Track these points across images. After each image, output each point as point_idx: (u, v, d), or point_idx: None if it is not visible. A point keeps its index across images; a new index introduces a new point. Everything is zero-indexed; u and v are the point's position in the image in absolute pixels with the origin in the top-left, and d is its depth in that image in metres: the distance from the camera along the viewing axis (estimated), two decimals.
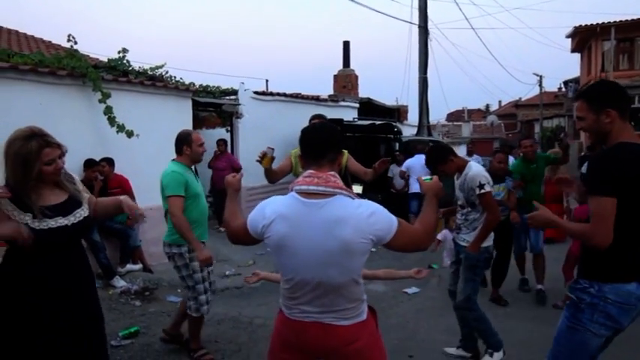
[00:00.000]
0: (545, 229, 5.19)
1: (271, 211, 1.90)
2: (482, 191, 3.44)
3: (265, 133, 8.71)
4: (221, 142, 8.36)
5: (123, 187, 5.82)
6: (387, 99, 15.35)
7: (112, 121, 5.63)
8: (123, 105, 5.92)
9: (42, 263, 2.22)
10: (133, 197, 5.19)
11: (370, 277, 2.66)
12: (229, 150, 8.41)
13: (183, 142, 3.56)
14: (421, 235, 1.97)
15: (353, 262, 1.87)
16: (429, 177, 2.20)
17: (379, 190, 9.18)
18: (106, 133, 5.83)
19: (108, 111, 5.61)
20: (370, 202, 1.91)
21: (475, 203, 3.53)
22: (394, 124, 8.99)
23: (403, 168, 8.71)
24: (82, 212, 2.35)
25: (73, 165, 5.50)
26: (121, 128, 5.68)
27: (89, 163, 5.64)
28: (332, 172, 1.92)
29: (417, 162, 8.21)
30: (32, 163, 2.17)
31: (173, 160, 3.60)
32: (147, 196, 5.19)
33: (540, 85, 32.96)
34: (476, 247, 3.51)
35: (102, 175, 5.84)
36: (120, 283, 5.52)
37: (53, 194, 2.30)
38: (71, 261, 2.33)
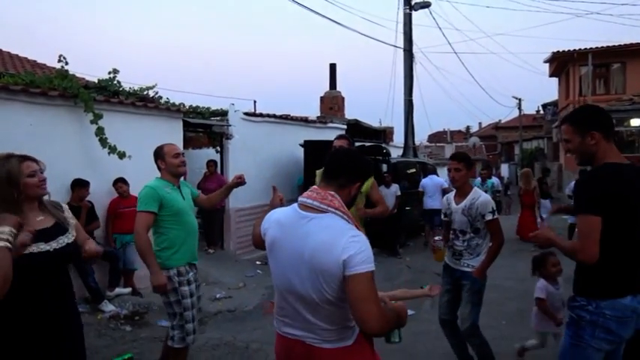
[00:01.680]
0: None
1: (274, 217, 2.05)
2: (495, 217, 3.48)
3: (255, 153, 8.70)
4: (211, 163, 8.31)
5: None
6: (371, 120, 15.55)
7: (103, 142, 5.56)
8: (114, 126, 5.86)
9: (25, 291, 2.14)
10: None
11: (389, 299, 2.64)
12: (219, 171, 8.35)
13: (156, 156, 3.40)
14: (376, 315, 1.79)
15: (326, 281, 1.85)
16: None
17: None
18: (97, 154, 5.75)
19: (100, 132, 5.55)
20: (362, 235, 1.89)
21: (479, 228, 3.52)
22: (383, 145, 9.07)
23: (420, 188, 9.83)
24: (66, 239, 2.31)
25: (64, 186, 5.42)
26: (112, 149, 5.62)
27: (78, 183, 5.53)
28: (332, 192, 1.95)
29: (429, 181, 9.83)
30: (16, 178, 2.18)
31: (157, 177, 3.45)
32: None
33: (519, 108, 33.80)
34: (483, 272, 3.49)
35: (123, 194, 5.96)
36: (108, 307, 5.38)
37: (38, 220, 2.27)
38: (56, 288, 2.27)
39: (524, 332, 4.25)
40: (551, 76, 24.42)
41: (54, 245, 2.24)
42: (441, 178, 10.28)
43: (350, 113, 14.96)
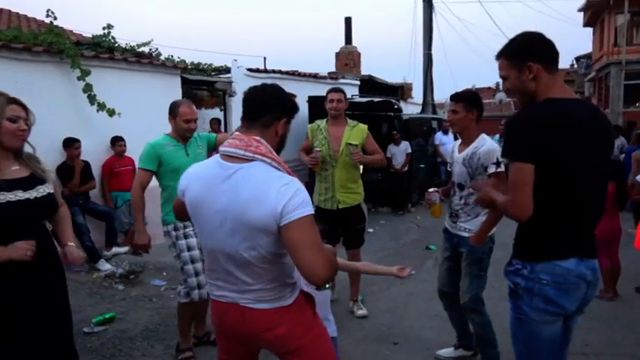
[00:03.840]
0: None
1: (192, 172, 1.85)
2: (499, 169, 2.89)
3: None
4: (214, 122, 8.14)
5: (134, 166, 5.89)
6: (393, 77, 14.98)
7: (91, 99, 5.43)
8: (106, 83, 5.70)
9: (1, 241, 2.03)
10: None
11: (348, 268, 2.42)
12: (223, 129, 8.17)
13: (170, 111, 3.34)
14: (321, 261, 1.64)
15: (258, 237, 1.68)
16: None
17: (378, 169, 8.92)
18: (90, 113, 5.62)
19: (88, 89, 5.40)
20: (294, 179, 1.71)
21: None
22: (393, 101, 8.66)
23: (436, 141, 9.77)
24: (46, 188, 2.17)
25: (53, 145, 5.34)
26: (101, 107, 5.48)
27: (69, 142, 5.43)
28: (257, 137, 1.74)
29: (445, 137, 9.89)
30: None
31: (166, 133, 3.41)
32: None
33: None
34: (482, 237, 2.92)
35: (121, 154, 5.95)
36: (105, 266, 5.38)
37: (13, 169, 2.13)
38: (37, 250, 2.11)
39: None
40: (585, 25, 23.02)
41: (34, 194, 2.11)
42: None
43: (369, 70, 14.47)
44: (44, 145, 5.25)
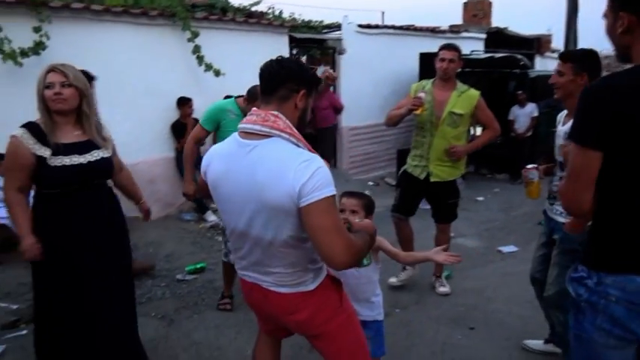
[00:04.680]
0: None
1: (213, 151, 1.82)
2: None
3: (371, 69, 8.20)
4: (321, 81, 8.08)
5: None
6: (533, 28, 13.39)
7: (200, 60, 5.71)
8: (215, 44, 5.95)
9: (62, 203, 2.27)
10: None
11: (389, 254, 2.27)
12: (331, 88, 8.10)
13: (250, 95, 3.35)
14: (341, 247, 1.53)
15: (279, 219, 1.59)
16: None
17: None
18: (199, 73, 5.94)
19: (196, 50, 5.69)
20: (315, 157, 1.59)
21: None
22: (519, 57, 7.74)
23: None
24: (101, 153, 2.35)
25: (168, 103, 5.78)
26: (208, 67, 5.75)
27: (182, 101, 5.83)
28: (274, 112, 1.63)
29: None
30: (39, 89, 2.23)
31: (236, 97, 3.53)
32: None
33: None
34: (579, 225, 2.63)
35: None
36: (210, 217, 5.78)
37: (73, 134, 2.32)
38: (93, 202, 2.35)
39: None
40: None
41: (88, 158, 2.30)
42: None
43: (501, 20, 13.14)
44: (161, 103, 5.79)
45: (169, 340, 3.13)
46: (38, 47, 4.67)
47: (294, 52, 7.83)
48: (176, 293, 3.83)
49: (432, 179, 3.69)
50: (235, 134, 1.74)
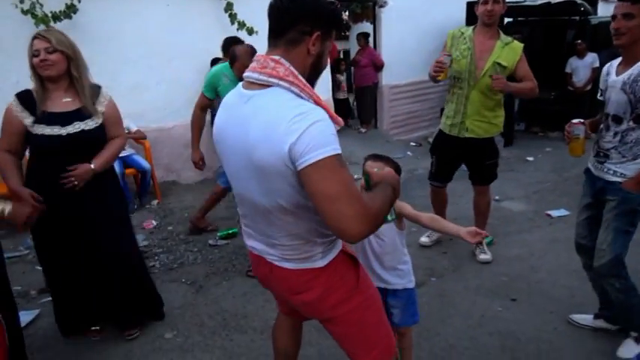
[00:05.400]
0: None
1: (223, 101, 1.59)
2: None
3: (414, 22, 7.71)
4: (361, 37, 7.69)
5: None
6: None
7: (232, 18, 5.52)
8: (248, 1, 5.71)
9: (43, 165, 2.35)
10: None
11: (412, 217, 2.05)
12: (371, 44, 7.73)
13: (231, 58, 3.47)
14: (351, 215, 1.27)
15: (271, 181, 1.37)
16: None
17: (553, 87, 7.60)
18: (232, 32, 5.74)
19: (229, 8, 5.51)
20: (315, 109, 1.32)
21: None
22: (578, 2, 7.02)
23: None
24: (83, 125, 2.34)
25: (204, 64, 5.66)
26: (241, 25, 5.56)
27: (216, 62, 5.68)
28: (276, 57, 1.38)
29: None
30: (29, 56, 2.27)
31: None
32: None
33: None
34: None
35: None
36: None
37: (64, 102, 2.33)
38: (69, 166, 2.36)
39: None
40: None
41: (69, 129, 2.31)
42: None
43: None
44: (195, 65, 5.68)
45: (197, 306, 3.11)
46: (70, 10, 4.64)
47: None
48: (207, 258, 3.81)
49: (468, 135, 3.44)
50: (240, 83, 1.52)
